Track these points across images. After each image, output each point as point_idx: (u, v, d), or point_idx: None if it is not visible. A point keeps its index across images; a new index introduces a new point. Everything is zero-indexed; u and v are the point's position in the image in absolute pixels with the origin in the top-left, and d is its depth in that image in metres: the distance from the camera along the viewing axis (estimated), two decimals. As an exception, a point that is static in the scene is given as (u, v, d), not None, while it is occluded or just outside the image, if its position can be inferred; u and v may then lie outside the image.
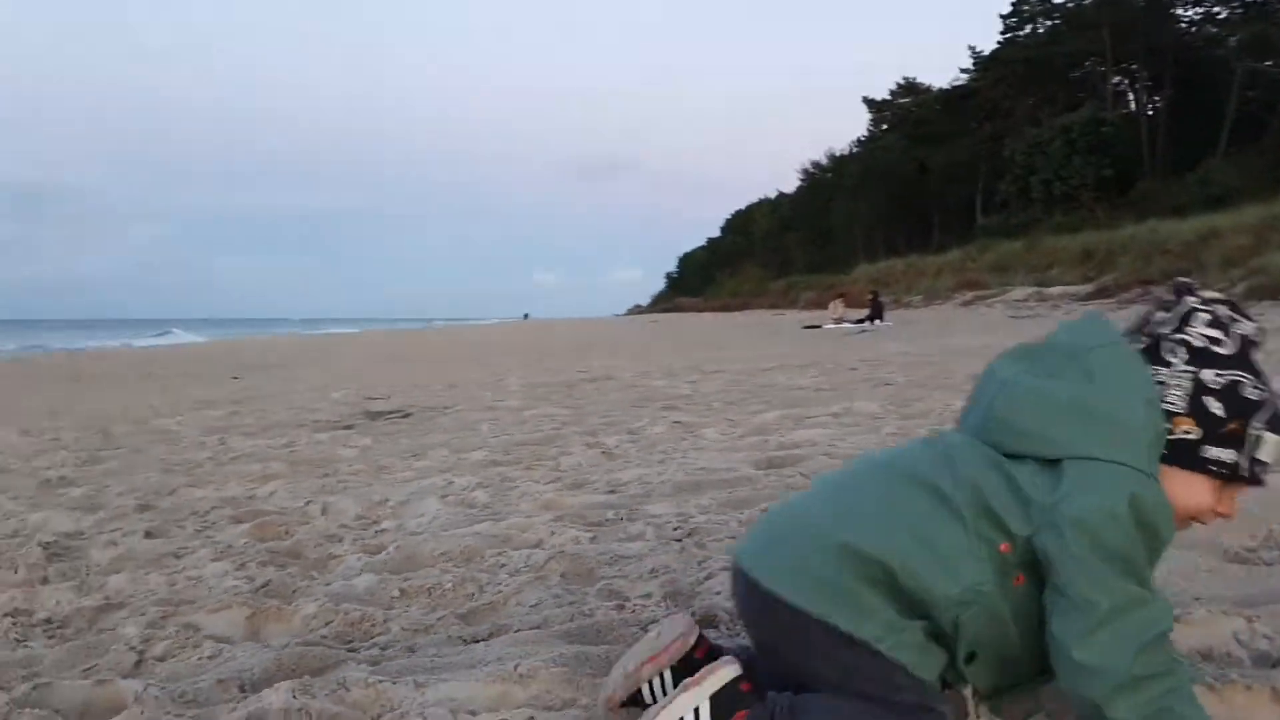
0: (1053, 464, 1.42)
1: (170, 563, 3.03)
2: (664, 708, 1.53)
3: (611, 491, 3.70)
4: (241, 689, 1.96)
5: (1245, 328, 1.45)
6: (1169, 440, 1.42)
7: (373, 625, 2.38)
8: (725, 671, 1.57)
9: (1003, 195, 44.60)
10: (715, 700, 1.53)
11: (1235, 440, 1.41)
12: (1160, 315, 1.49)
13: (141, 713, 1.82)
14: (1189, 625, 1.93)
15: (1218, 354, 1.43)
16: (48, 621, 2.54)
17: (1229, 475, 1.43)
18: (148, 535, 3.39)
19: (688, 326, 31.01)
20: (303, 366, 16.73)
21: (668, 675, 1.65)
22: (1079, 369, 1.46)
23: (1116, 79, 47.49)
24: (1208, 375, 1.42)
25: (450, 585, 2.60)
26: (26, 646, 2.33)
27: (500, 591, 2.54)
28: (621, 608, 2.32)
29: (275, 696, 1.81)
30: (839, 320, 24.08)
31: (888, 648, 1.42)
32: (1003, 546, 1.42)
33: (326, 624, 2.40)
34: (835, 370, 9.46)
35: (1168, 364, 1.44)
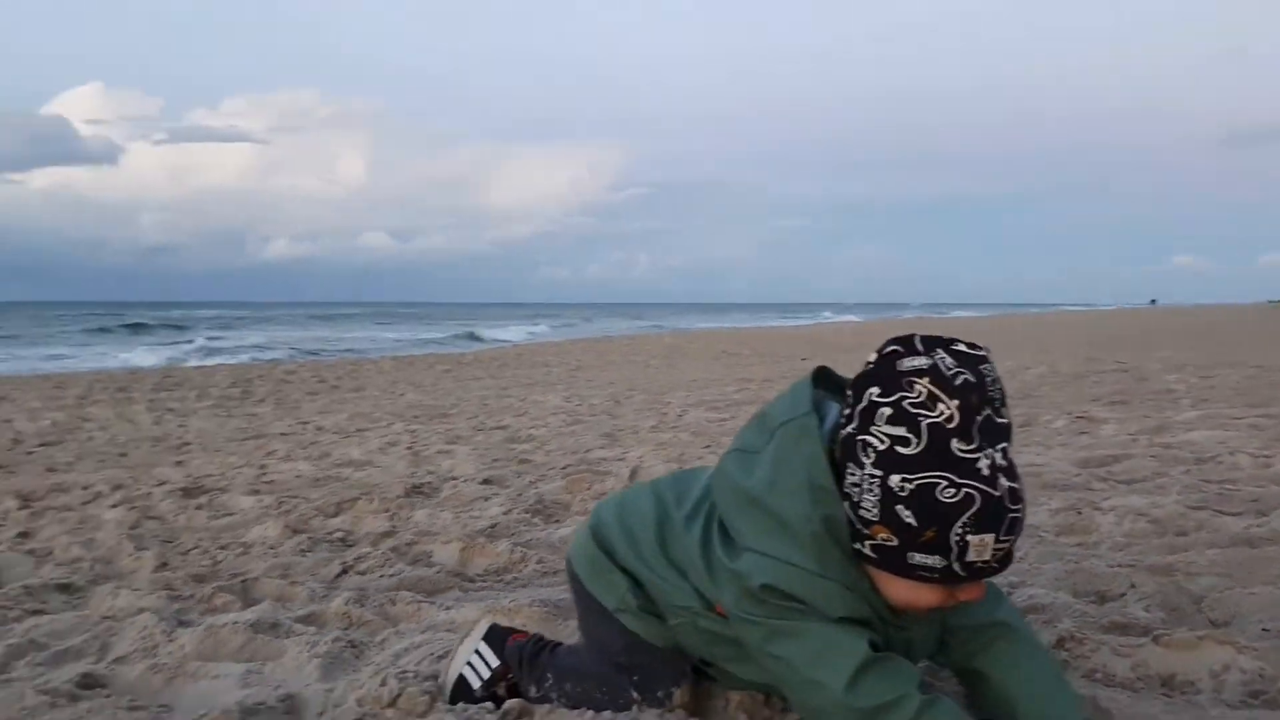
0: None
1: (475, 506, 3.67)
2: (449, 662, 1.79)
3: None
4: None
5: (942, 410, 1.21)
6: (873, 544, 1.28)
7: (523, 565, 2.78)
8: (487, 619, 1.86)
9: None
10: (490, 640, 1.79)
11: (937, 546, 1.24)
12: (845, 412, 1.31)
13: (268, 604, 2.40)
14: (1165, 648, 1.65)
15: (903, 456, 1.23)
16: (341, 540, 3.28)
17: (941, 579, 1.27)
18: (484, 483, 4.09)
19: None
20: (855, 351, 17.35)
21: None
22: (769, 446, 1.39)
23: None
24: (894, 481, 1.23)
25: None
26: (305, 555, 3.07)
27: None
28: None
29: (336, 601, 2.29)
30: None
31: (624, 619, 1.60)
32: (718, 608, 1.46)
33: (498, 560, 2.84)
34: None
35: (861, 464, 1.27)
